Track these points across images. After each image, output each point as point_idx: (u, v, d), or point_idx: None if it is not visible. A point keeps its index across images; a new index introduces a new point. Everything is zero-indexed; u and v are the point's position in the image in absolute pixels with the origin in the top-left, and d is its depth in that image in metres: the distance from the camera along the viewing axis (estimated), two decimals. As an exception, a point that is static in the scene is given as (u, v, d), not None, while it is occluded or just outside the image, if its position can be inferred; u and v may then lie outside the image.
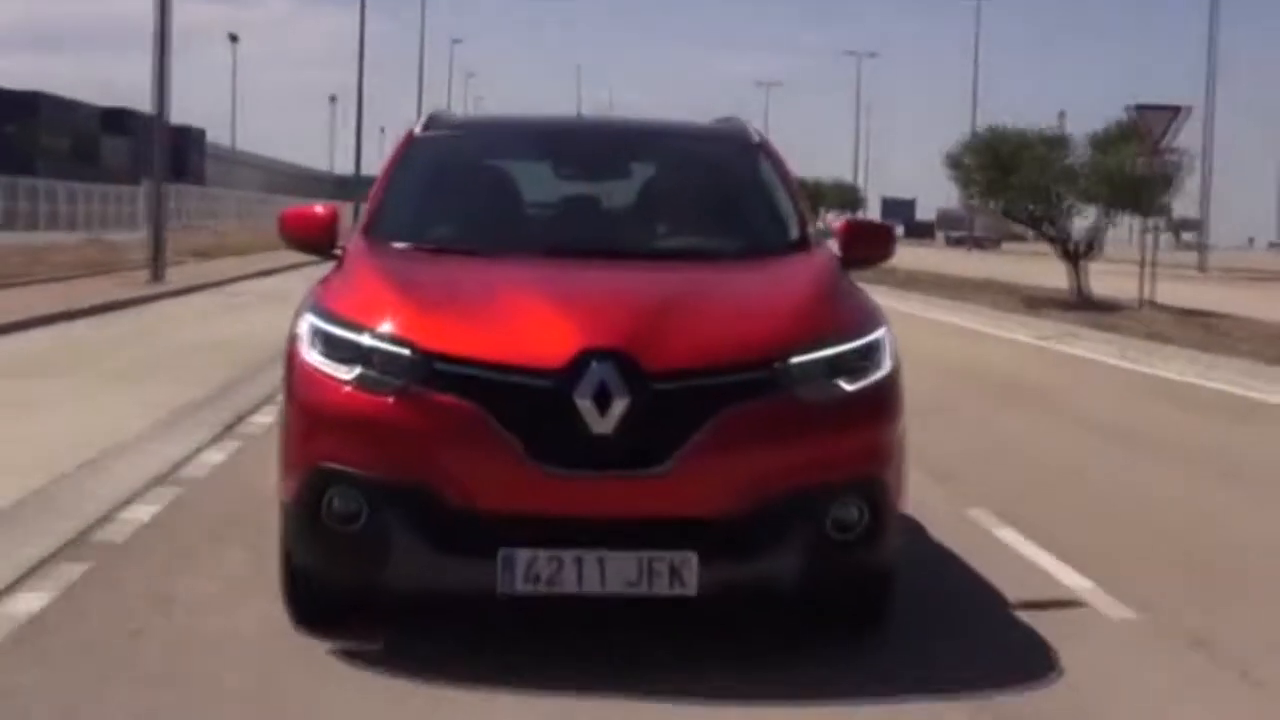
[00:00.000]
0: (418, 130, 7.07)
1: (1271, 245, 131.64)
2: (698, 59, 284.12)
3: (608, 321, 5.44)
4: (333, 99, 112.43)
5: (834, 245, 6.60)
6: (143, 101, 34.74)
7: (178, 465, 9.35)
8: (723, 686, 5.33)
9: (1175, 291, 31.99)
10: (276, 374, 6.69)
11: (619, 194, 7.18)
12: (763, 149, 7.11)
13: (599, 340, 5.32)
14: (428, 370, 5.34)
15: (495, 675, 5.38)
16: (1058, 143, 32.32)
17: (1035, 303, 29.69)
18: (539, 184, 7.19)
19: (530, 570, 5.25)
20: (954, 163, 33.53)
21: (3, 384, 13.67)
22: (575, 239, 6.54)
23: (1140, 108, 30.31)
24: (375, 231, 6.49)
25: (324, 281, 6.10)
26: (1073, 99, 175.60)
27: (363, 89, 66.83)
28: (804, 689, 5.36)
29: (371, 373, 5.42)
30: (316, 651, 5.62)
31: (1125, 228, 37.57)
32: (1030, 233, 38.34)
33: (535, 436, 5.24)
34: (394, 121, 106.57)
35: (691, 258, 6.45)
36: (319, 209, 6.70)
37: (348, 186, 73.21)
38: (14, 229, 48.77)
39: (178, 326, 20.83)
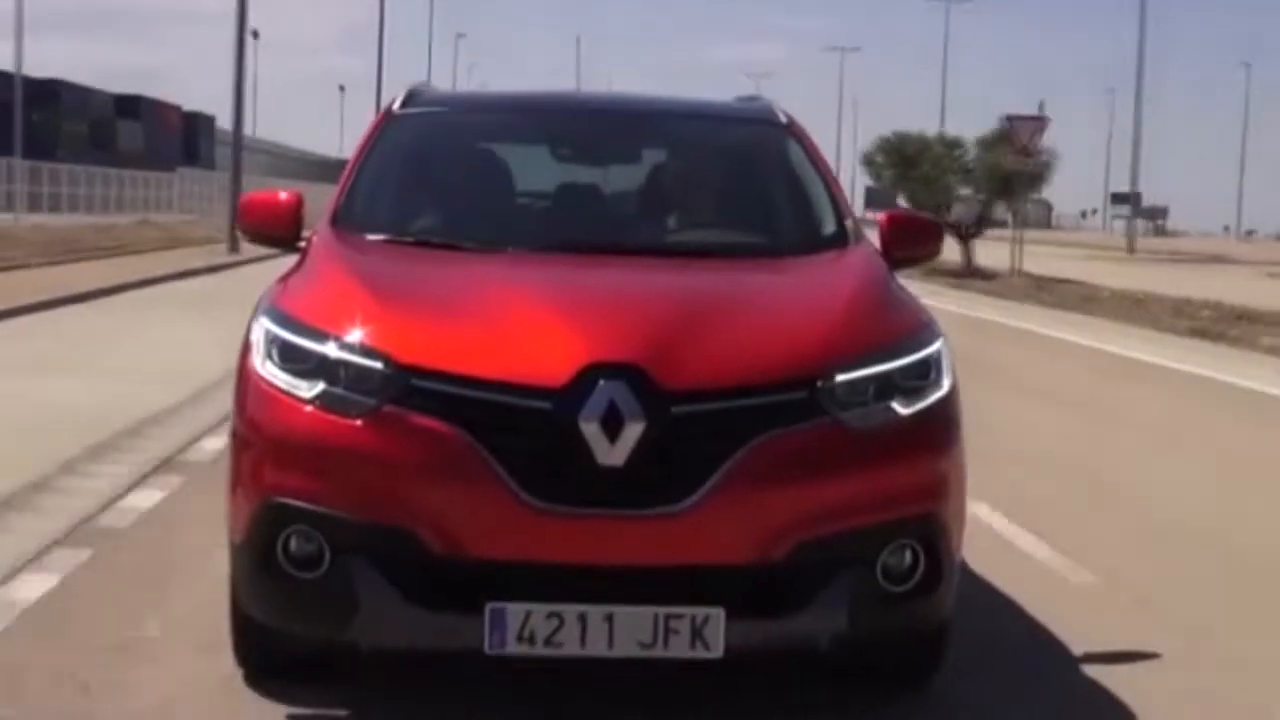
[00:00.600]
0: (396, 107, 6.18)
1: (1248, 234, 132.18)
2: (687, 47, 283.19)
3: (617, 331, 4.55)
4: (341, 88, 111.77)
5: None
6: (143, 85, 37.10)
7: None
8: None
9: (1063, 266, 40.02)
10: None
11: (626, 182, 6.28)
12: (791, 131, 6.22)
13: (607, 354, 4.44)
14: (404, 387, 4.47)
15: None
16: (954, 144, 40.34)
17: (932, 272, 32.28)
18: (534, 170, 6.30)
19: (525, 628, 4.38)
20: (867, 160, 42.32)
21: (213, 310, 17.15)
22: (577, 234, 5.65)
23: (1010, 118, 37.81)
24: (345, 221, 5.61)
25: (283, 279, 5.23)
26: (1047, 91, 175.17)
27: (382, 74, 68.23)
28: None
29: (337, 390, 4.54)
30: (272, 715, 4.79)
31: (1103, 215, 48.01)
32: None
33: (531, 469, 4.36)
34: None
35: (713, 256, 5.56)
36: (282, 195, 5.84)
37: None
38: (59, 211, 53.25)
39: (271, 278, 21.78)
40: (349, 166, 5.89)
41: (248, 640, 4.94)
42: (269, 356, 4.71)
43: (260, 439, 4.66)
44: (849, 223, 5.79)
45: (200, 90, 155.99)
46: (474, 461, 4.36)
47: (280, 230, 5.76)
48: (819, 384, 4.54)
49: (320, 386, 4.56)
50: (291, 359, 4.66)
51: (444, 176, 6.06)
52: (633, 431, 4.34)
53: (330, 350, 4.59)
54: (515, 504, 4.35)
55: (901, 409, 4.65)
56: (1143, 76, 69.89)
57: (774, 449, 4.44)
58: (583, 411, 4.34)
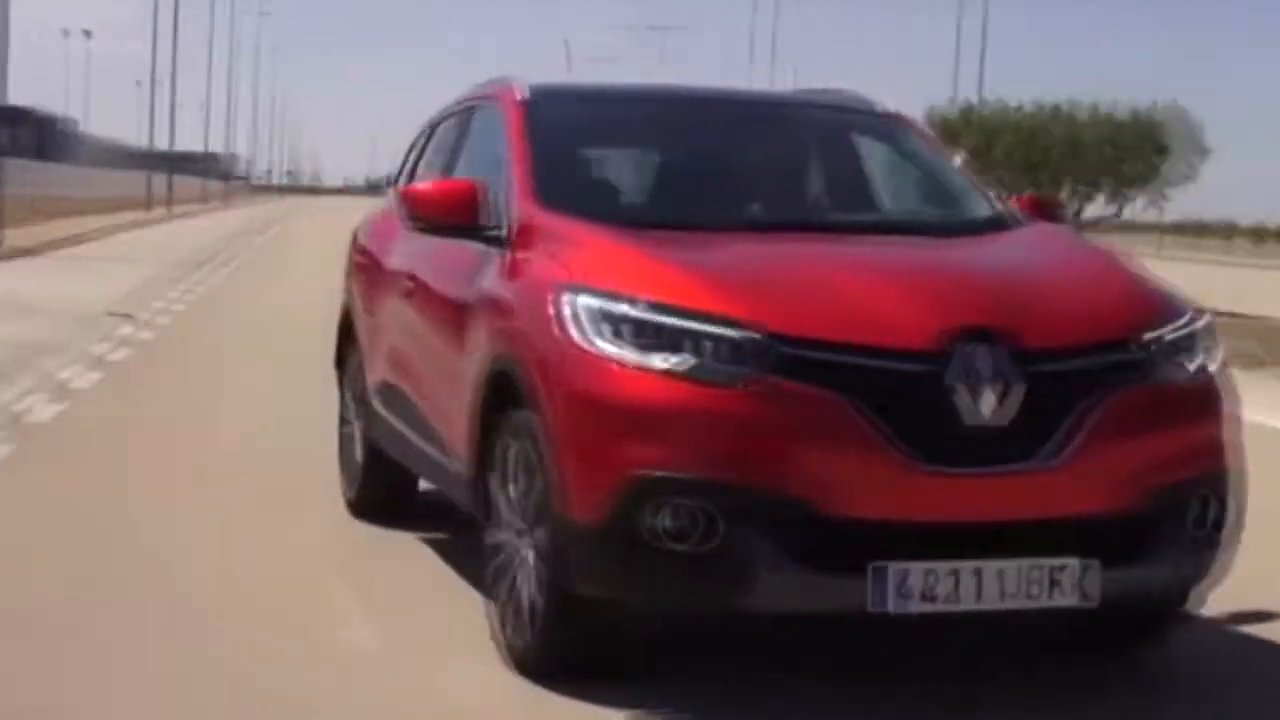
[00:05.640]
0: (523, 95, 6.10)
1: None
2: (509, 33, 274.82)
3: (973, 295, 4.76)
4: (138, 84, 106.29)
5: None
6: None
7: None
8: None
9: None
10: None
11: (779, 168, 6.31)
12: (900, 120, 6.47)
13: (970, 317, 4.61)
14: (778, 355, 4.50)
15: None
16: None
17: None
18: (688, 158, 6.29)
19: (907, 585, 4.46)
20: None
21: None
22: (779, 213, 5.81)
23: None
24: (558, 206, 5.52)
25: (549, 258, 5.13)
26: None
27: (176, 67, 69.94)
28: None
29: (706, 361, 4.53)
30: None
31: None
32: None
33: (907, 430, 4.46)
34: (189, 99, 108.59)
35: (928, 231, 5.74)
36: (456, 183, 5.78)
37: (171, 162, 74.63)
38: None
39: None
40: (518, 154, 5.77)
41: (572, 626, 4.82)
42: (614, 334, 4.65)
43: (613, 415, 4.58)
44: (996, 200, 6.08)
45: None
46: (858, 425, 4.44)
47: (459, 217, 5.65)
48: (1148, 342, 4.80)
49: (689, 359, 4.54)
50: (644, 334, 4.61)
51: (618, 163, 6.09)
52: (1000, 390, 4.50)
53: (694, 324, 4.58)
54: (900, 465, 4.44)
55: (1204, 367, 4.94)
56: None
57: (1122, 403, 4.66)
58: (956, 373, 4.49)
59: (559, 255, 5.14)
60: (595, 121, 6.34)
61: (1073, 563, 4.55)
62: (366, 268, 7.35)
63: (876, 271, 4.92)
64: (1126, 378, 4.72)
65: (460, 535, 6.44)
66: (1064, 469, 4.55)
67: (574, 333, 4.72)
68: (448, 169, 6.62)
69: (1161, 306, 5.02)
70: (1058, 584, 4.55)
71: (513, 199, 5.60)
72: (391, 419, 6.64)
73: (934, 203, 6.18)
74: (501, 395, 5.15)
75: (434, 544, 6.77)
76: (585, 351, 4.67)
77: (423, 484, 6.88)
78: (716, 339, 4.55)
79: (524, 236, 5.42)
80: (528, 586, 4.95)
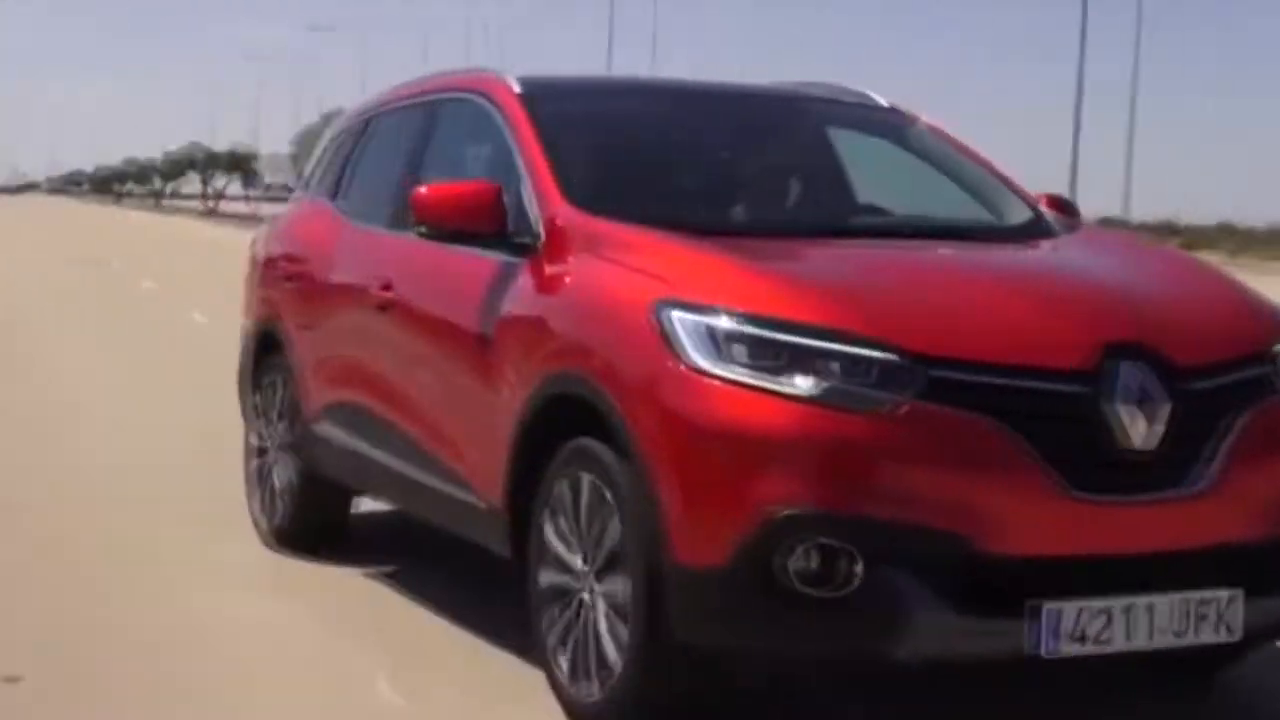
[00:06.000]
0: (515, 87, 5.57)
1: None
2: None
3: (1119, 310, 4.41)
4: None
5: None
6: None
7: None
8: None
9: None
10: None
11: (811, 168, 5.87)
12: (906, 116, 6.06)
13: (1120, 332, 4.27)
14: (921, 378, 4.08)
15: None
16: None
17: None
18: (703, 156, 5.81)
19: (1062, 625, 4.08)
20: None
21: None
22: (840, 218, 5.41)
23: None
24: (588, 206, 5.01)
25: (630, 269, 4.60)
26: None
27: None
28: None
29: (843, 384, 4.09)
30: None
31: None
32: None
33: (1061, 457, 4.08)
34: None
35: (993, 236, 5.35)
36: (477, 185, 5.19)
37: None
38: None
39: None
40: (534, 152, 5.23)
41: (663, 677, 4.32)
42: (726, 354, 4.17)
43: (738, 446, 4.09)
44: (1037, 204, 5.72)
45: None
46: (1013, 453, 4.06)
47: (482, 223, 5.09)
48: (1276, 354, 4.52)
49: (820, 382, 4.09)
50: (764, 354, 4.15)
51: (642, 163, 5.58)
52: (1160, 411, 4.17)
53: (822, 342, 4.13)
54: (1058, 495, 4.07)
55: None
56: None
57: (1258, 421, 4.36)
58: (1114, 393, 4.14)
59: (629, 264, 4.62)
60: (604, 117, 5.83)
61: (1220, 595, 4.23)
62: (298, 277, 6.68)
63: (1001, 283, 4.56)
64: (1260, 394, 4.42)
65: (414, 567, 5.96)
66: (1210, 494, 4.23)
67: (681, 353, 4.22)
68: (413, 170, 6.00)
69: (1272, 316, 4.74)
70: (1204, 618, 4.22)
71: (538, 202, 5.06)
72: (353, 443, 6.02)
73: (972, 204, 5.70)
74: (555, 423, 4.65)
75: (382, 577, 6.20)
76: (696, 375, 4.18)
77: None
78: (850, 359, 4.11)
79: (559, 244, 4.91)
80: (596, 633, 4.46)
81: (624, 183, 5.41)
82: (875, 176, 5.87)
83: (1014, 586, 4.07)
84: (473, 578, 6.06)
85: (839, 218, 5.45)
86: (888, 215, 5.65)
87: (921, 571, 4.03)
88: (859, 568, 4.01)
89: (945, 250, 5.03)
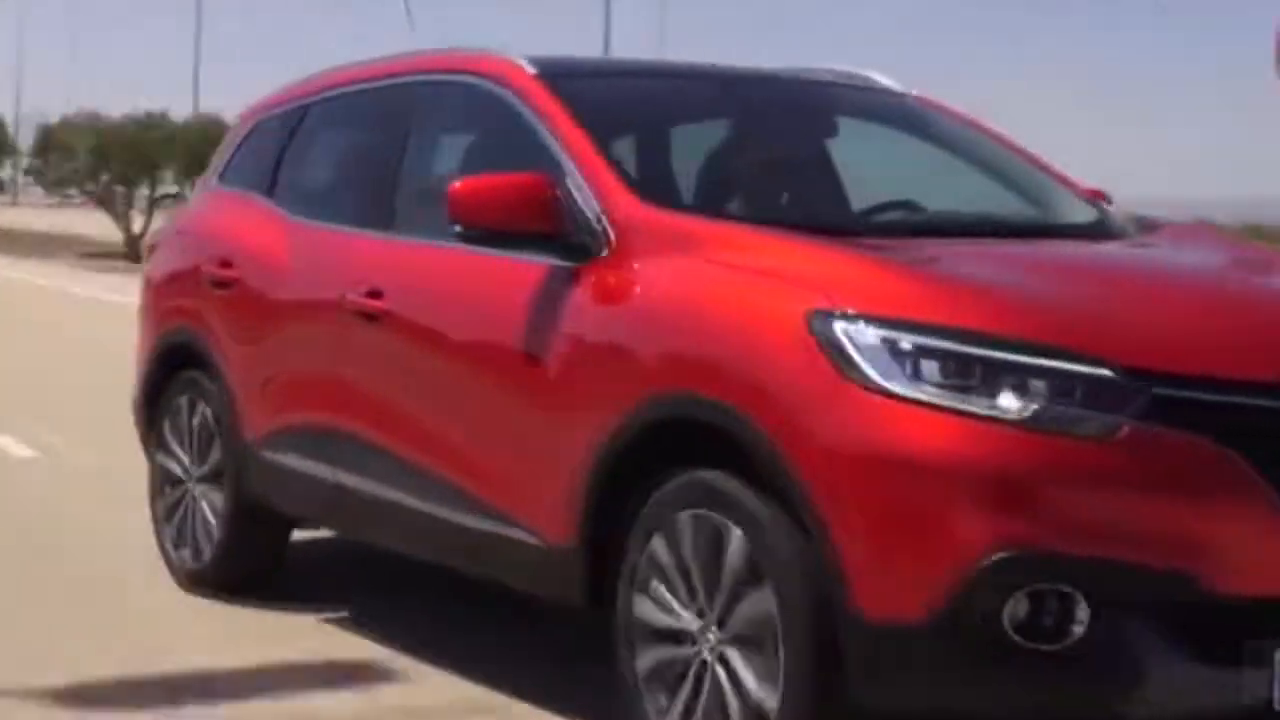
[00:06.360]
0: (535, 72, 4.88)
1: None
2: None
3: None
4: None
5: None
6: None
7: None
8: None
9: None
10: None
11: (873, 159, 5.41)
12: (925, 101, 5.54)
13: None
14: (1141, 396, 3.58)
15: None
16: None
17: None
18: (743, 144, 5.19)
19: None
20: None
21: None
22: (915, 214, 4.87)
23: None
24: (662, 202, 4.44)
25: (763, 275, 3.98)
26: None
27: None
28: None
29: (1055, 406, 3.55)
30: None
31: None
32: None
33: None
34: None
35: (1077, 235, 4.83)
36: (524, 179, 4.46)
37: None
38: None
39: None
40: (572, 140, 4.58)
41: None
42: (917, 374, 3.60)
43: (940, 479, 3.53)
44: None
45: None
46: (1248, 480, 3.58)
47: (538, 222, 4.42)
48: None
49: (1030, 403, 3.55)
50: (964, 373, 3.59)
51: (705, 152, 4.96)
52: None
53: (1031, 359, 3.59)
54: None
55: None
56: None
57: None
58: None
59: (753, 268, 4.01)
60: (639, 101, 5.18)
61: None
62: (230, 282, 5.83)
63: (1181, 287, 4.13)
64: None
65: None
66: None
67: (857, 373, 3.64)
68: (397, 163, 5.26)
69: None
70: None
71: (595, 197, 4.40)
72: (325, 472, 5.26)
73: (1048, 199, 5.19)
74: (655, 453, 4.04)
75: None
76: (879, 397, 3.61)
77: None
78: (1061, 376, 3.59)
79: (632, 244, 4.27)
80: (718, 689, 3.87)
81: (695, 176, 4.83)
82: (950, 168, 5.30)
83: (1261, 632, 3.60)
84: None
85: (935, 215, 4.91)
86: (983, 212, 5.07)
87: (1155, 617, 3.53)
88: (1083, 615, 3.49)
89: (1088, 250, 4.57)
